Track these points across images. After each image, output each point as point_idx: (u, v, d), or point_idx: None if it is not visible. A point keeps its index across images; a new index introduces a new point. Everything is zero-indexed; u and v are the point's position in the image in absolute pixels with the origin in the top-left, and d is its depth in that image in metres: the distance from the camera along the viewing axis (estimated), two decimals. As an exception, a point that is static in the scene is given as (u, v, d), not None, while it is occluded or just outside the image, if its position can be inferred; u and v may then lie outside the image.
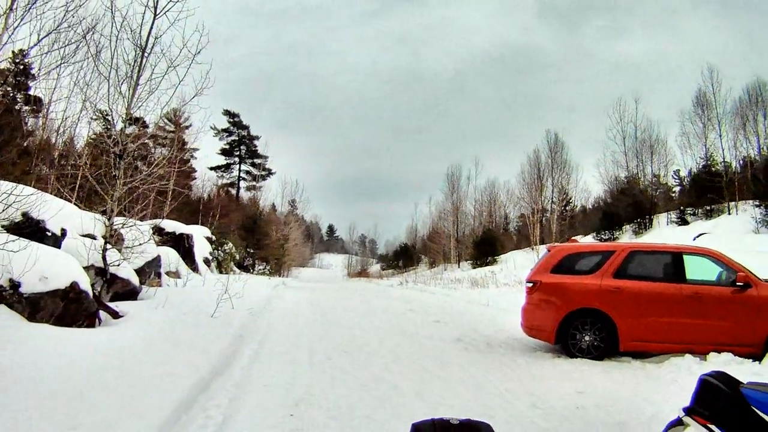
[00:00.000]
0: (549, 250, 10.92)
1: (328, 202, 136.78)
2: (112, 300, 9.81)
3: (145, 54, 9.88)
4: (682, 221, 39.08)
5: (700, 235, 29.47)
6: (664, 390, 7.23)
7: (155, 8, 9.85)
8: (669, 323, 9.33)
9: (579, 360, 9.35)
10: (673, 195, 47.04)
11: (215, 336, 9.42)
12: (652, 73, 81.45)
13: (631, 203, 43.10)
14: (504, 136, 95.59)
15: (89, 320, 7.88)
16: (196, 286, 15.00)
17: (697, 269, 9.87)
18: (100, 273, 9.54)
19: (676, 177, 47.52)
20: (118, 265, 10.04)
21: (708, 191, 39.44)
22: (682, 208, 41.28)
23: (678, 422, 3.82)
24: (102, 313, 8.57)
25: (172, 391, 6.04)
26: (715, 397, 3.60)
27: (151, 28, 9.89)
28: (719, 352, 8.79)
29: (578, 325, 9.69)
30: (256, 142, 58.77)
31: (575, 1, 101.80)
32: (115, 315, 8.95)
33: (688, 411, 3.73)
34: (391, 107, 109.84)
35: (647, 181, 46.77)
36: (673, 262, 9.87)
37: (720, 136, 42.63)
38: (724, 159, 42.17)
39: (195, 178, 45.72)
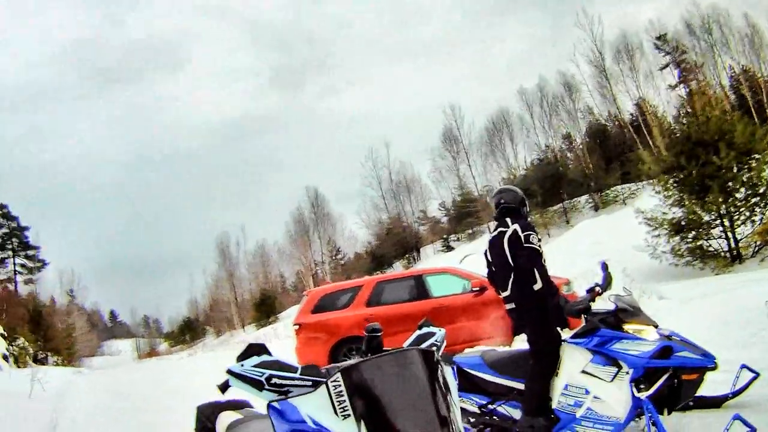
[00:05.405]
0: (307, 295, 11.97)
1: (105, 289, 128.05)
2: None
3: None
4: (448, 248, 41.99)
5: (466, 256, 31.30)
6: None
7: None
8: (419, 336, 10.29)
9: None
10: (443, 225, 50.35)
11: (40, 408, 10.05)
12: (398, 120, 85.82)
13: (396, 241, 45.65)
14: (264, 199, 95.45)
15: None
16: (5, 378, 15.38)
17: (446, 285, 11.27)
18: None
19: (442, 208, 51.03)
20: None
21: (466, 216, 42.89)
22: (445, 236, 44.34)
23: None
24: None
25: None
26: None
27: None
28: (472, 347, 9.78)
29: (345, 353, 10.52)
30: (27, 233, 53.86)
31: (301, 65, 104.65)
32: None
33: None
34: (143, 186, 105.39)
35: (410, 218, 49.67)
36: (416, 284, 11.30)
37: (469, 165, 46.80)
38: (476, 185, 46.11)
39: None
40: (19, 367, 24.48)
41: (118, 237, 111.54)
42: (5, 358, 22.86)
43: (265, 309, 47.97)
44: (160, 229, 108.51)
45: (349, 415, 1.95)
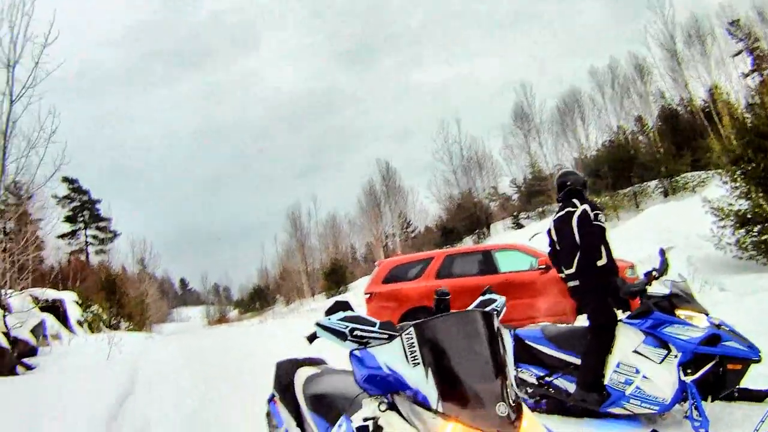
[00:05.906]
0: (379, 265, 12.36)
1: (176, 257, 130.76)
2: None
3: (6, 137, 10.27)
4: (518, 225, 41.77)
5: (536, 234, 31.11)
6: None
7: (11, 95, 10.39)
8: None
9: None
10: (513, 203, 50.00)
11: (120, 368, 10.84)
12: (470, 95, 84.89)
13: (467, 216, 45.84)
14: (335, 171, 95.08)
15: (11, 371, 9.90)
16: (81, 343, 15.95)
17: (513, 261, 11.51)
18: (5, 336, 10.45)
19: (513, 185, 50.40)
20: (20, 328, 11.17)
21: (537, 194, 42.68)
22: (515, 213, 44.13)
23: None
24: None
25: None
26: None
27: (9, 113, 10.39)
28: (536, 323, 10.14)
29: (415, 322, 10.86)
30: (98, 206, 56.19)
31: (372, 40, 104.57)
32: (28, 368, 10.91)
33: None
34: (216, 159, 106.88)
35: (481, 194, 49.77)
36: (485, 258, 11.61)
37: (540, 144, 46.34)
38: (546, 164, 45.74)
39: (43, 249, 43.64)
40: (93, 332, 25.54)
41: (191, 208, 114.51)
42: (80, 323, 23.87)
43: (336, 278, 47.71)
44: (232, 201, 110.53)
45: (418, 363, 2.31)
